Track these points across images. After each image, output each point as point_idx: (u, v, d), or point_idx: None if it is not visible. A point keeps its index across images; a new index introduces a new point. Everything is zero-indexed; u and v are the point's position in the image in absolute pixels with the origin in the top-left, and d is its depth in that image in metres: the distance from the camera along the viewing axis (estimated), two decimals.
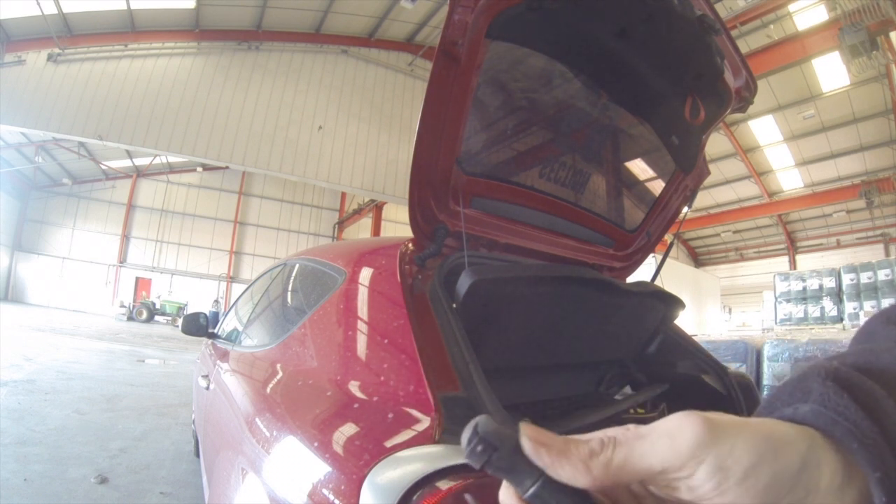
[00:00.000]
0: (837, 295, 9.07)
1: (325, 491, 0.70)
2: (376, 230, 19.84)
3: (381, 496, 0.62)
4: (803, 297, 9.55)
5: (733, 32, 6.55)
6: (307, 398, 0.96)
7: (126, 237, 21.48)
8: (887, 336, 0.35)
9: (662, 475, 0.26)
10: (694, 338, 1.83)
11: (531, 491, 0.26)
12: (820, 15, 11.11)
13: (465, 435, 0.27)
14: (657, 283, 1.59)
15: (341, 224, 23.49)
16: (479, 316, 1.09)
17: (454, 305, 0.99)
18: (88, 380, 5.32)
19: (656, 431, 0.26)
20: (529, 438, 0.27)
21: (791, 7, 11.15)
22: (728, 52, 1.37)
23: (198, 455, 2.54)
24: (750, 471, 0.25)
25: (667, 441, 0.26)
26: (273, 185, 22.68)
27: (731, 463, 0.25)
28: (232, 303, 2.88)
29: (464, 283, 0.99)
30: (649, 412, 1.53)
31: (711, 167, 2.48)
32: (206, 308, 17.90)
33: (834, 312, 9.00)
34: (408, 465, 0.64)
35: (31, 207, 20.58)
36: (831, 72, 12.95)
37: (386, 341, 0.93)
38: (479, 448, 0.26)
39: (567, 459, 0.26)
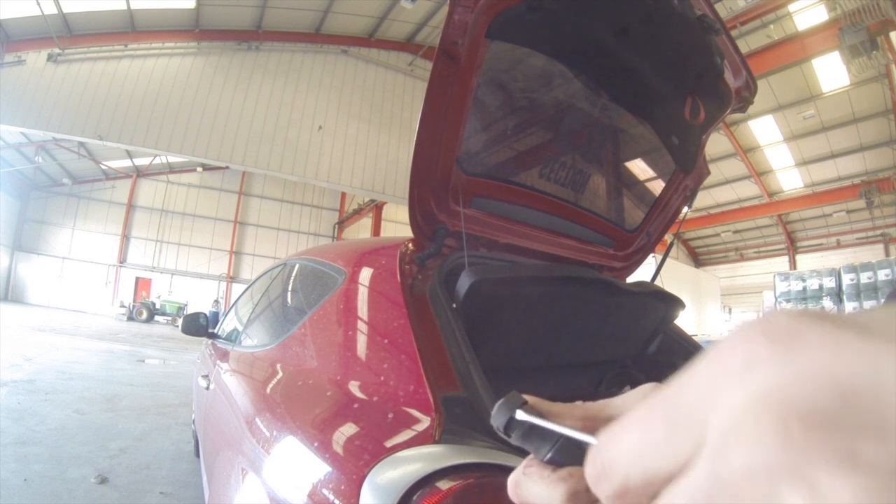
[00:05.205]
0: (837, 295, 9.08)
1: (325, 491, 0.70)
2: (376, 230, 19.82)
3: (381, 496, 0.62)
4: (803, 297, 9.56)
5: (733, 32, 6.55)
6: (307, 398, 0.96)
7: (126, 237, 21.47)
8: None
9: None
10: (694, 338, 1.83)
11: (554, 449, 0.26)
12: (820, 15, 11.10)
13: (499, 409, 0.28)
14: (657, 283, 1.59)
15: (341, 224, 23.48)
16: (479, 316, 1.09)
17: (454, 305, 0.99)
18: (88, 380, 5.32)
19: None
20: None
21: (791, 7, 11.14)
22: (728, 52, 1.36)
23: (198, 455, 2.54)
24: None
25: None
26: (273, 185, 22.67)
27: None
28: (232, 303, 2.88)
29: (464, 283, 0.99)
30: None
31: (711, 167, 2.48)
32: (206, 308, 17.89)
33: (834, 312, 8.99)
34: (408, 465, 0.64)
35: (31, 207, 20.57)
36: (831, 72, 12.94)
37: (386, 341, 0.92)
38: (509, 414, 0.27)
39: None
